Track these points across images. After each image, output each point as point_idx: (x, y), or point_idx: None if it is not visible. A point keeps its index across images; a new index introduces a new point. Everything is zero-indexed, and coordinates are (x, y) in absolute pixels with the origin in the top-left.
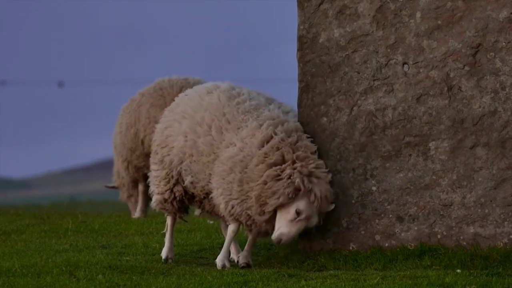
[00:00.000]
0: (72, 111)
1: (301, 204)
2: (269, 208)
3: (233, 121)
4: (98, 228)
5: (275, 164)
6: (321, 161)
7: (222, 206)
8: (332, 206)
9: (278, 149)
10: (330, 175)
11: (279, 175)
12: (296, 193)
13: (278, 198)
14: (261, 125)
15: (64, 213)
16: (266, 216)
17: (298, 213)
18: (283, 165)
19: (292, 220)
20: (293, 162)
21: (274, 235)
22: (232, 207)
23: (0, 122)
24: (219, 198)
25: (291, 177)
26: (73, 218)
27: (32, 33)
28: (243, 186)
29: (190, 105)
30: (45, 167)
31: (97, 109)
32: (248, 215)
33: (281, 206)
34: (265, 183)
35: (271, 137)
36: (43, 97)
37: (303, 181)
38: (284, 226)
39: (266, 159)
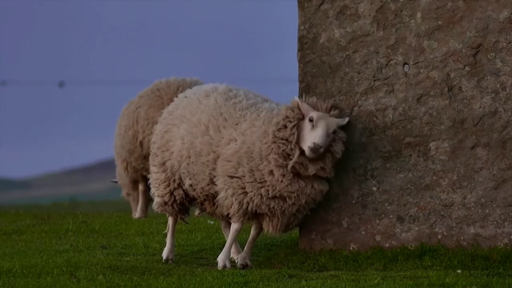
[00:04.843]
0: (72, 112)
1: (310, 112)
2: (292, 141)
3: (230, 118)
4: (98, 229)
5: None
6: None
7: (235, 207)
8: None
9: (273, 118)
10: None
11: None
12: (299, 110)
13: (290, 121)
14: (259, 116)
15: (65, 214)
16: (295, 155)
17: (311, 119)
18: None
19: (311, 130)
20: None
21: (309, 146)
22: (248, 204)
23: (0, 122)
24: (230, 199)
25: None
26: (73, 219)
27: (33, 33)
28: (255, 174)
29: (188, 109)
30: (45, 167)
31: (98, 109)
32: (274, 197)
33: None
34: (274, 134)
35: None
36: (43, 97)
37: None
38: (309, 138)
39: (266, 133)
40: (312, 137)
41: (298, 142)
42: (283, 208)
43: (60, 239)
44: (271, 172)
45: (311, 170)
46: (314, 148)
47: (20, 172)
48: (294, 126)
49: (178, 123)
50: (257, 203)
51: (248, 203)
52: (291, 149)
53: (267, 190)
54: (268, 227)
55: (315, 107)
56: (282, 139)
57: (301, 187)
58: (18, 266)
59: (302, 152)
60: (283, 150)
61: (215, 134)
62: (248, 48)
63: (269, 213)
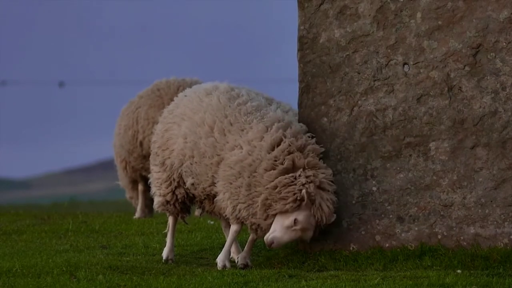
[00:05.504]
0: (72, 112)
1: (301, 215)
2: (272, 212)
3: (236, 122)
4: (98, 229)
5: (286, 171)
6: (329, 171)
7: (229, 210)
8: (333, 218)
9: (289, 153)
10: (335, 186)
11: (292, 182)
12: (301, 203)
13: (285, 205)
14: (267, 127)
15: (65, 213)
16: (270, 220)
17: (295, 222)
18: (296, 173)
19: (288, 227)
20: (304, 169)
21: (267, 237)
22: (239, 211)
23: (0, 122)
24: (226, 202)
25: (305, 185)
26: (73, 218)
27: (33, 33)
28: (251, 190)
29: (189, 107)
30: (45, 167)
31: (98, 109)
32: (254, 219)
33: (283, 211)
34: (275, 188)
35: (281, 140)
36: (43, 97)
37: (310, 194)
38: (278, 231)
39: (277, 163)
40: (279, 233)
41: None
42: (264, 234)
43: (60, 239)
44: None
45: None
46: (270, 244)
47: (20, 172)
48: (282, 210)
49: (179, 121)
50: (244, 216)
51: (240, 210)
52: (268, 216)
53: (255, 212)
54: (252, 232)
55: (315, 214)
56: (271, 201)
57: None
58: (18, 266)
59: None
60: (266, 207)
61: (220, 137)
62: (248, 48)
63: (252, 228)
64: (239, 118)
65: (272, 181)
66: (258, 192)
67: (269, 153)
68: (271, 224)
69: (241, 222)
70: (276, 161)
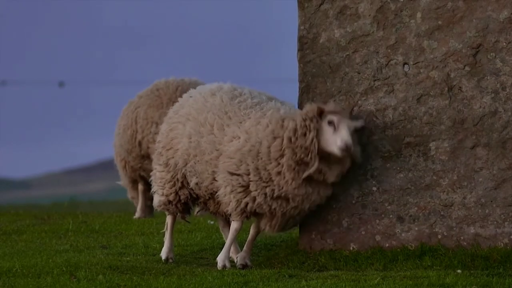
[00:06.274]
0: (72, 112)
1: (329, 117)
2: (312, 152)
3: (235, 116)
4: (98, 229)
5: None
6: None
7: (233, 204)
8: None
9: (283, 120)
10: None
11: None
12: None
13: (310, 131)
14: (265, 114)
15: (65, 213)
16: (315, 164)
17: (330, 122)
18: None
19: (334, 132)
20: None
21: (342, 145)
22: (247, 204)
23: (0, 122)
24: (228, 196)
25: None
26: (73, 218)
27: (33, 33)
28: (261, 173)
29: (194, 107)
30: (45, 167)
31: (98, 109)
32: (278, 197)
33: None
34: (289, 140)
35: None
36: (44, 97)
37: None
38: (336, 140)
39: (275, 133)
40: (339, 138)
41: (318, 149)
42: (284, 210)
43: (60, 239)
44: (279, 173)
45: (330, 177)
46: (347, 148)
47: (20, 172)
48: (315, 136)
49: (184, 121)
50: (259, 202)
51: (247, 203)
52: (311, 158)
53: (272, 190)
54: (266, 226)
55: (334, 112)
56: (301, 147)
57: (307, 193)
58: (18, 266)
59: (320, 158)
60: (301, 158)
61: (219, 133)
62: (248, 48)
63: (268, 214)
64: (239, 112)
65: (281, 147)
66: (268, 170)
67: (265, 131)
68: (298, 186)
69: (243, 218)
70: (274, 134)
